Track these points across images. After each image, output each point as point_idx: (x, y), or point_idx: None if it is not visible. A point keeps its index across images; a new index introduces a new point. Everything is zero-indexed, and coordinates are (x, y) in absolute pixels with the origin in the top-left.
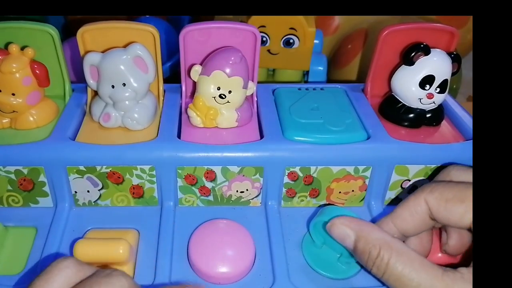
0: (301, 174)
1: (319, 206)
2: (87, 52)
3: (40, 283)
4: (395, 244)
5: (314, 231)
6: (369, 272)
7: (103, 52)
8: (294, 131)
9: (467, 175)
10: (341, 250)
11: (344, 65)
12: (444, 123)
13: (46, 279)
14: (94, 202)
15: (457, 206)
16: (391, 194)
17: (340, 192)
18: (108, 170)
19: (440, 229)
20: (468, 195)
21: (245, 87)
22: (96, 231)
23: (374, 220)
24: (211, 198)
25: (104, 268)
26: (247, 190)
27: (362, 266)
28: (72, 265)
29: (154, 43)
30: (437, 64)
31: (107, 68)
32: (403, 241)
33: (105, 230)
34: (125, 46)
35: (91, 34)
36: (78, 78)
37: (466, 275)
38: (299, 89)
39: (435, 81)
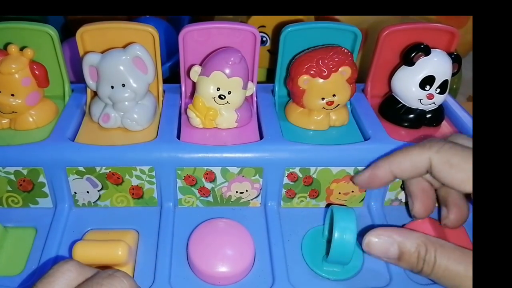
0: (300, 175)
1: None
2: (86, 52)
3: (42, 286)
4: (431, 237)
5: (312, 252)
6: (373, 271)
7: (102, 52)
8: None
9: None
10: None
11: None
12: (444, 124)
13: (48, 282)
14: (93, 202)
15: (460, 173)
16: (391, 195)
17: (339, 193)
18: (107, 171)
19: (438, 204)
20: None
21: (245, 87)
22: (96, 232)
23: (374, 221)
24: (210, 198)
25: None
26: (246, 190)
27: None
28: (74, 268)
29: (154, 43)
30: (437, 64)
31: (107, 69)
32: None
33: (104, 231)
34: (124, 47)
35: (90, 35)
36: (78, 78)
37: None
38: None
39: (435, 82)
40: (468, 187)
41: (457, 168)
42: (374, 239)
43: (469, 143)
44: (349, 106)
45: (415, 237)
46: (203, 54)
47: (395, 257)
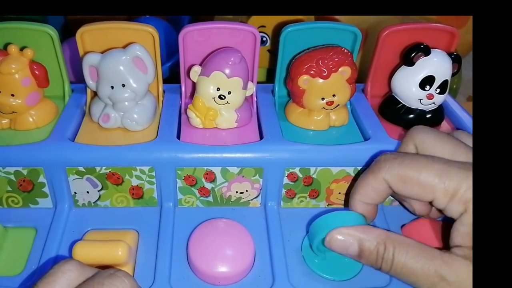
0: (300, 175)
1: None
2: (86, 52)
3: (43, 286)
4: (393, 235)
5: (312, 253)
6: (373, 272)
7: (102, 52)
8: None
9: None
10: None
11: None
12: (444, 124)
13: (49, 282)
14: (93, 203)
15: (414, 187)
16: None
17: (339, 193)
18: (107, 171)
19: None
20: (426, 174)
21: (245, 87)
22: (96, 232)
23: (374, 220)
24: (210, 199)
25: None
26: (246, 191)
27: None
28: (75, 268)
29: (154, 43)
30: (437, 64)
31: (106, 69)
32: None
33: (104, 231)
34: (124, 47)
35: (90, 35)
36: (78, 78)
37: (461, 253)
38: None
39: (435, 82)
40: (427, 197)
41: (410, 183)
42: (336, 236)
43: (468, 139)
44: (349, 106)
45: (375, 236)
46: (203, 54)
47: (355, 254)
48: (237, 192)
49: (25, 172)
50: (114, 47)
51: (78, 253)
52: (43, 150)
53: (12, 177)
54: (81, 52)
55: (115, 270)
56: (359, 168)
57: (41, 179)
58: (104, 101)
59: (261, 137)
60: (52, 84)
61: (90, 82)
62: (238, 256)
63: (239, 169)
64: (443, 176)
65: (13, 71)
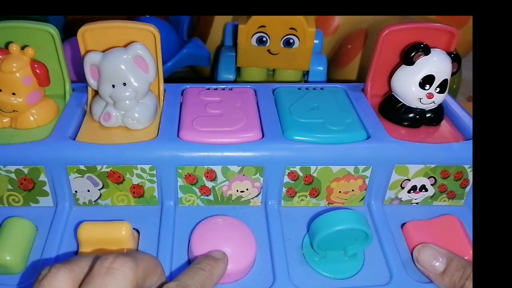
0: (301, 174)
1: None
2: (87, 51)
3: None
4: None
5: (312, 251)
6: (373, 270)
7: (104, 51)
8: (294, 130)
9: None
10: (343, 246)
11: (344, 65)
12: (444, 123)
13: None
14: (94, 201)
15: None
16: (391, 194)
17: (340, 192)
18: (108, 170)
19: None
20: None
21: None
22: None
23: (374, 220)
24: (211, 197)
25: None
26: (247, 189)
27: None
28: (67, 278)
29: (155, 42)
30: (437, 64)
31: (108, 68)
32: None
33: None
34: (125, 46)
35: (91, 34)
36: (79, 77)
37: None
38: (299, 88)
39: (435, 81)
40: None
41: None
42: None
43: None
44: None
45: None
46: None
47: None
48: (237, 190)
49: (26, 170)
50: (116, 46)
51: (83, 233)
52: (44, 148)
53: (13, 175)
54: (82, 51)
55: (111, 261)
56: (359, 166)
57: (42, 177)
58: (105, 99)
59: (262, 136)
60: (53, 83)
61: (92, 81)
62: (239, 253)
63: (240, 167)
64: None
65: (14, 69)
